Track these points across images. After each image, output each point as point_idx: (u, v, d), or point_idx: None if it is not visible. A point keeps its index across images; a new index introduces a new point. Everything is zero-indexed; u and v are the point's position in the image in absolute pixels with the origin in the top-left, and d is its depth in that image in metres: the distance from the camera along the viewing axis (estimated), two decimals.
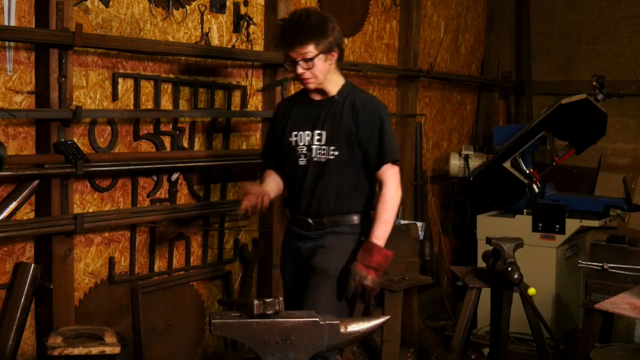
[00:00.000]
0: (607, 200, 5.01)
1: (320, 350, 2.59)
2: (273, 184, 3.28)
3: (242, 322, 2.51)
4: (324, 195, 3.10)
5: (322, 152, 3.09)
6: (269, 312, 2.48)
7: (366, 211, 3.18)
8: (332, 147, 3.08)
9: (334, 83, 3.14)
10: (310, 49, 2.98)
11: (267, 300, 2.50)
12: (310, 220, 3.14)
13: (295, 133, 3.15)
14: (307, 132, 3.13)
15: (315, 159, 3.10)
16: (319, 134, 3.10)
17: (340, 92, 3.14)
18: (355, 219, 3.15)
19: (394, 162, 3.13)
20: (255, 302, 2.50)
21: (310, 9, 3.45)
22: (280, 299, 2.53)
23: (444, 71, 6.17)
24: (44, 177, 3.26)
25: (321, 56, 3.01)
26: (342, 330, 2.60)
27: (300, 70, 3.02)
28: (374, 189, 3.20)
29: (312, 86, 3.09)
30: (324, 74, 3.06)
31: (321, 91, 3.14)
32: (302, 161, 3.13)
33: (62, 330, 3.12)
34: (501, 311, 3.68)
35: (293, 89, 4.58)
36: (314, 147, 3.10)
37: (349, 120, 3.08)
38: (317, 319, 2.57)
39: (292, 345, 2.52)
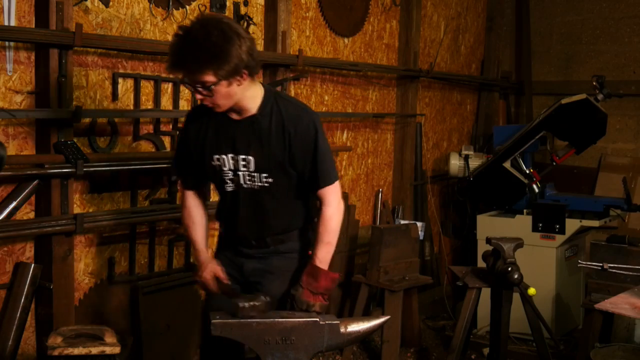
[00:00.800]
0: (607, 200, 5.01)
1: (320, 351, 2.59)
2: (202, 230, 2.98)
3: (242, 322, 2.51)
4: (261, 219, 2.83)
5: (253, 179, 2.76)
6: (253, 314, 2.49)
7: (306, 225, 2.93)
8: (263, 175, 2.75)
9: (251, 98, 2.70)
10: (209, 78, 2.52)
11: (256, 303, 2.50)
12: (252, 241, 2.87)
13: (217, 157, 2.77)
14: (230, 156, 2.76)
15: (245, 185, 2.77)
16: (245, 159, 2.74)
17: (261, 107, 2.71)
18: (297, 233, 2.91)
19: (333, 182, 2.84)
20: (241, 304, 2.49)
21: (213, 20, 2.56)
22: (268, 298, 2.54)
23: (444, 71, 6.18)
24: (44, 177, 3.26)
25: (223, 82, 2.55)
26: (342, 330, 2.60)
27: (199, 97, 2.60)
28: (312, 201, 2.91)
29: (218, 110, 2.67)
30: (231, 99, 2.63)
31: (237, 110, 2.71)
32: (229, 187, 2.80)
33: (62, 330, 3.12)
34: (501, 311, 3.68)
35: (293, 88, 4.58)
36: (240, 173, 2.76)
37: (280, 144, 2.72)
38: (317, 319, 2.57)
39: (292, 345, 2.52)
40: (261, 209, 2.81)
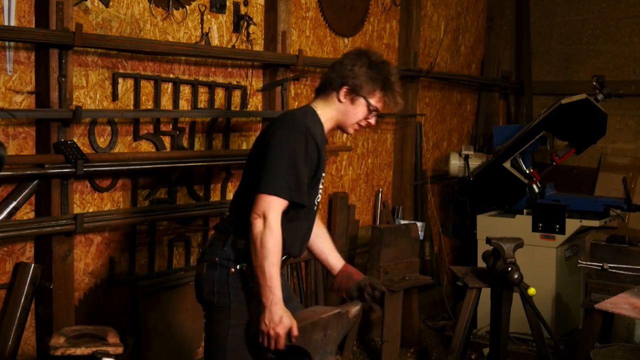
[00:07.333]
0: (607, 200, 5.01)
1: (340, 340, 2.59)
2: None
3: (301, 326, 2.44)
4: (310, 234, 2.87)
5: (320, 194, 2.83)
6: None
7: None
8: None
9: None
10: None
11: None
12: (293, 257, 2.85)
13: (322, 174, 2.75)
14: (324, 174, 2.80)
15: (318, 201, 2.81)
16: (323, 177, 2.80)
17: None
18: None
19: None
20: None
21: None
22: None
23: (444, 71, 6.18)
24: (44, 177, 3.26)
25: None
26: (350, 316, 2.63)
27: (370, 120, 2.76)
28: None
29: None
30: None
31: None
32: (315, 207, 2.78)
33: (64, 331, 3.12)
34: (501, 311, 3.68)
35: (293, 88, 4.59)
36: (319, 190, 2.79)
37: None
38: (340, 310, 2.57)
39: (328, 339, 2.51)
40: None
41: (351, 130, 2.78)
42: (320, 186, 2.77)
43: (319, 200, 2.79)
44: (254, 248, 2.48)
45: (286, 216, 2.56)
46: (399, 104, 2.78)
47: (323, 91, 2.75)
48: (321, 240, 2.94)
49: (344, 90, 2.68)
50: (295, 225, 2.67)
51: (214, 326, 2.64)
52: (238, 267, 2.60)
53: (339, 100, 2.70)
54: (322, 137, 2.70)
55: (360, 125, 2.76)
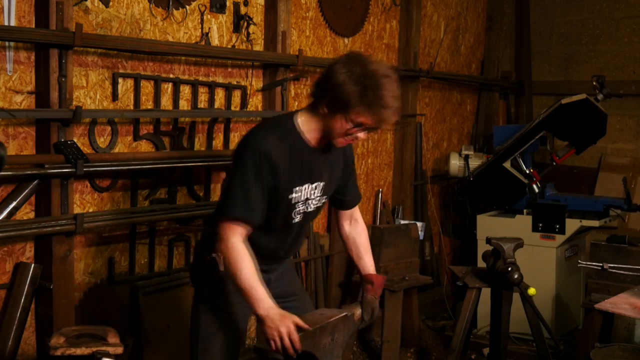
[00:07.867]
0: (607, 200, 5.01)
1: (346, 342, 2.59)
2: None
3: (310, 331, 2.42)
4: (302, 235, 2.84)
5: (316, 203, 2.72)
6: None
7: None
8: (324, 197, 2.74)
9: None
10: None
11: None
12: (288, 256, 2.90)
13: (297, 189, 2.60)
14: (306, 185, 2.63)
15: (308, 210, 2.70)
16: (317, 186, 2.67)
17: None
18: None
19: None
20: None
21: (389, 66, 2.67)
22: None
23: (444, 71, 6.18)
24: (44, 177, 3.26)
25: None
26: (355, 318, 2.63)
27: (361, 136, 2.57)
28: None
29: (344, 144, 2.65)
30: None
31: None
32: (296, 219, 2.68)
33: (64, 331, 3.12)
34: (501, 311, 3.68)
35: (293, 88, 4.59)
36: (310, 200, 2.68)
37: (341, 165, 2.76)
38: (347, 313, 2.56)
39: (335, 343, 2.51)
40: (305, 227, 2.82)
41: (338, 144, 2.58)
42: (312, 197, 2.68)
43: (303, 211, 2.68)
44: (226, 270, 2.50)
45: (263, 228, 2.58)
46: (385, 120, 2.52)
47: (312, 98, 2.58)
48: (354, 245, 2.96)
49: (324, 100, 2.49)
50: (275, 236, 2.68)
51: (192, 310, 2.79)
52: (213, 255, 2.63)
53: (322, 111, 2.51)
54: (296, 151, 2.54)
55: (346, 140, 2.55)
